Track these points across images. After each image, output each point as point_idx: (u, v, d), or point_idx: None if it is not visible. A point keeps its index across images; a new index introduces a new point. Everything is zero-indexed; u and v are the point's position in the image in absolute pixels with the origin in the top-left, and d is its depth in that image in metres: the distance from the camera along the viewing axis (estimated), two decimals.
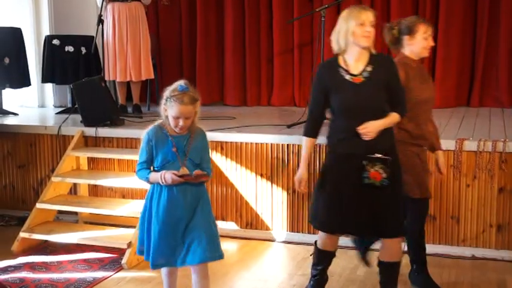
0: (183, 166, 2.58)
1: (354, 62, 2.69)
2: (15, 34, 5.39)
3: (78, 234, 3.85)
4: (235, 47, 5.95)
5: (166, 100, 2.56)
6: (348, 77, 2.67)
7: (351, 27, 2.66)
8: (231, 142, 4.06)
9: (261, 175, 4.03)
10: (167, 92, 2.58)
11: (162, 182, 2.56)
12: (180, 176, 2.54)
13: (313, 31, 5.69)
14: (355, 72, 2.68)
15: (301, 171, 2.81)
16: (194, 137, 2.63)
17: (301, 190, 2.84)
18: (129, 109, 5.32)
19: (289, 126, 4.33)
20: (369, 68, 2.68)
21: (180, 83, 2.57)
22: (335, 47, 2.75)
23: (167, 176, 2.55)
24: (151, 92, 5.82)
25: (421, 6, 5.46)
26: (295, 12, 5.74)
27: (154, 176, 2.59)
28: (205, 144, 2.69)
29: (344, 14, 2.75)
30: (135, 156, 4.08)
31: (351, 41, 2.67)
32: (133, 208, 3.89)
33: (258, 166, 4.03)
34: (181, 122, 2.55)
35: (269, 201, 4.03)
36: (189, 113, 2.55)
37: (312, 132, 2.81)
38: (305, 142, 2.83)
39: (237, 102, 5.98)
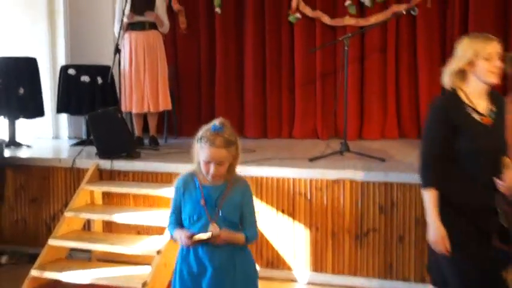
0: (213, 223, 2.29)
1: (477, 98, 2.49)
2: (30, 64, 5.55)
3: (91, 273, 3.86)
4: (255, 76, 6.05)
5: (197, 141, 2.36)
6: (476, 116, 2.46)
7: (476, 61, 2.44)
8: (250, 176, 4.07)
9: (282, 211, 4.02)
10: (200, 132, 2.39)
11: (181, 243, 2.32)
12: (197, 239, 2.21)
13: (336, 61, 5.77)
14: (481, 111, 2.48)
15: (438, 229, 2.42)
16: (232, 188, 2.35)
17: (446, 249, 2.44)
18: (146, 141, 5.40)
19: (311, 160, 4.36)
20: (494, 108, 2.50)
21: (215, 121, 2.37)
22: (450, 80, 2.52)
23: (182, 237, 2.28)
24: (168, 124, 5.91)
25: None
26: (318, 41, 5.84)
27: (176, 234, 2.34)
28: (248, 200, 2.39)
29: (465, 44, 2.51)
30: (152, 191, 4.24)
31: (476, 76, 2.46)
32: (149, 246, 3.89)
33: (279, 201, 4.03)
34: (212, 169, 2.30)
35: (291, 239, 4.02)
36: (221, 158, 2.31)
37: (436, 181, 2.43)
38: (430, 195, 2.44)
39: (257, 135, 6.04)
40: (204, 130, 2.39)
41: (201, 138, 2.37)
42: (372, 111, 5.81)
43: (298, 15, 5.87)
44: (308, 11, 5.85)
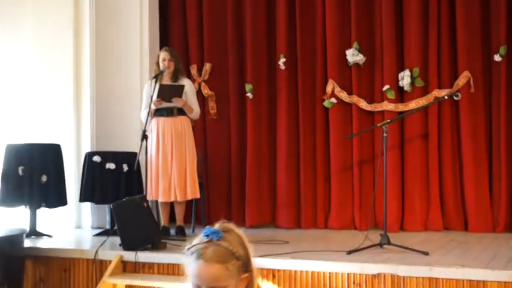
0: None
1: None
2: (55, 151, 5.78)
3: None
4: (288, 163, 6.18)
5: (184, 253, 1.77)
6: None
7: None
8: (284, 270, 4.11)
9: None
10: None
11: None
12: None
13: (375, 147, 5.90)
14: None
15: None
16: None
17: None
18: (172, 231, 5.51)
19: (349, 253, 4.38)
20: None
21: (214, 226, 1.77)
22: None
23: None
24: (196, 213, 6.04)
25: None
26: (354, 127, 6.00)
27: None
28: None
29: None
30: (178, 285, 4.26)
31: None
32: None
33: None
34: None
35: None
36: (215, 281, 1.68)
37: None
38: None
39: (291, 225, 6.09)
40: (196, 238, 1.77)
41: (188, 249, 1.75)
42: (413, 200, 5.83)
43: (333, 100, 6.07)
44: (344, 96, 6.04)
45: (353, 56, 6.00)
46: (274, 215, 6.27)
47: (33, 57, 6.51)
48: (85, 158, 5.92)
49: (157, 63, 5.60)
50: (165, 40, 6.73)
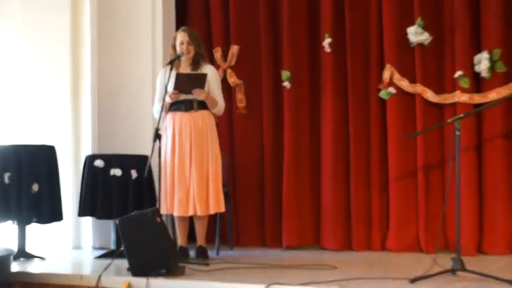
0: None
1: None
2: (47, 153, 5.79)
3: None
4: (335, 170, 6.16)
5: None
6: None
7: None
8: None
9: None
10: None
11: None
12: None
13: (444, 149, 5.84)
14: None
15: None
16: None
17: None
18: (192, 253, 5.49)
19: (413, 281, 4.31)
20: None
21: None
22: None
23: None
24: (221, 230, 6.02)
25: None
26: (418, 123, 5.93)
27: None
28: None
29: None
30: None
31: None
32: None
33: None
34: None
35: None
36: None
37: None
38: None
39: (339, 246, 6.09)
40: None
41: None
42: (494, 216, 5.74)
43: (392, 89, 6.03)
44: (405, 85, 6.00)
45: (416, 34, 5.94)
46: (318, 234, 6.25)
47: (20, 43, 6.57)
48: (85, 162, 5.94)
49: (174, 47, 5.61)
50: (182, 18, 6.75)
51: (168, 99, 5.43)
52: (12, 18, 6.61)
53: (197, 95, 5.45)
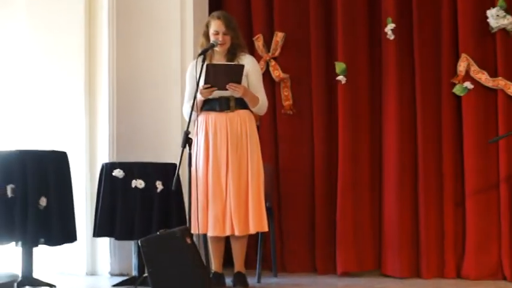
0: None
1: None
2: (59, 162, 5.76)
3: None
4: (400, 182, 6.16)
5: None
6: None
7: None
8: None
9: None
10: None
11: None
12: None
13: None
14: None
15: None
16: None
17: None
18: (228, 280, 5.50)
19: None
20: None
21: None
22: None
23: None
24: (263, 254, 6.02)
25: None
26: (501, 125, 5.93)
27: None
28: None
29: None
30: None
31: None
32: None
33: None
34: None
35: None
36: None
37: None
38: None
39: (405, 273, 6.07)
40: None
41: None
42: None
43: (468, 84, 6.02)
44: (485, 79, 5.98)
45: (498, 18, 5.91)
46: (379, 258, 6.25)
47: (27, 35, 6.62)
48: (101, 172, 5.95)
49: (206, 34, 5.63)
50: (216, 3, 6.77)
51: (199, 97, 5.43)
52: (18, 10, 6.66)
53: (233, 91, 5.44)
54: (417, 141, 6.20)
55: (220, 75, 5.41)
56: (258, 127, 5.75)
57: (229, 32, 5.56)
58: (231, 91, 5.44)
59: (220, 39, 5.53)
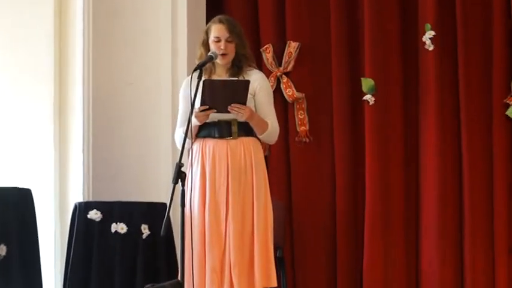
0: None
1: None
2: (20, 201, 5.75)
3: None
4: (443, 226, 6.16)
5: None
6: None
7: None
8: None
9: None
10: None
11: None
12: None
13: None
14: None
15: None
16: None
17: None
18: None
19: None
20: None
21: None
22: None
23: None
24: None
25: None
26: None
27: None
28: None
29: None
30: None
31: None
32: None
33: None
34: None
35: None
36: None
37: None
38: None
39: None
40: None
41: None
42: None
43: None
44: None
45: None
46: None
47: None
48: (74, 213, 5.96)
49: (205, 44, 5.56)
50: (215, 5, 6.78)
51: (195, 121, 5.36)
52: None
53: (237, 113, 5.37)
54: (462, 175, 6.22)
55: (220, 94, 5.31)
56: (266, 158, 5.75)
57: (234, 39, 5.49)
58: (234, 113, 5.37)
59: (222, 47, 5.45)
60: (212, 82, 5.35)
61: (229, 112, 5.32)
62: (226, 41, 5.44)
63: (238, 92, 5.31)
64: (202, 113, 5.31)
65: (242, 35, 5.57)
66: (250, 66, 5.60)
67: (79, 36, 6.40)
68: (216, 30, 5.48)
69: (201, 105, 5.28)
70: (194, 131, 5.41)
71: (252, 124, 5.44)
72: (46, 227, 6.17)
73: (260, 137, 5.52)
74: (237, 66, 5.53)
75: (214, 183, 5.42)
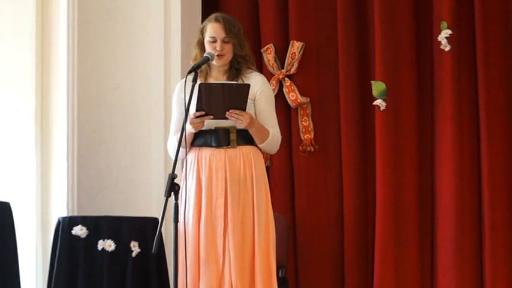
0: None
1: None
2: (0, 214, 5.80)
3: None
4: (461, 244, 6.15)
5: None
6: None
7: None
8: None
9: None
10: None
11: None
12: None
13: None
14: None
15: None
16: None
17: None
18: None
19: None
20: None
21: None
22: None
23: None
24: None
25: None
26: None
27: None
28: None
29: None
30: None
31: None
32: None
33: None
34: None
35: None
36: None
37: None
38: None
39: None
40: None
41: None
42: None
43: None
44: None
45: None
46: None
47: None
48: (57, 229, 5.95)
49: (200, 44, 5.55)
50: (212, 1, 6.80)
51: (189, 128, 5.34)
52: None
53: (235, 120, 5.34)
54: (482, 187, 6.23)
55: (217, 99, 5.29)
56: (267, 168, 5.74)
57: (231, 39, 5.46)
58: (232, 120, 5.35)
59: (218, 48, 5.43)
60: (209, 86, 5.32)
61: (227, 119, 5.31)
62: (223, 41, 5.43)
63: (238, 96, 5.29)
64: (198, 119, 5.29)
65: (240, 35, 5.55)
66: (249, 68, 5.59)
67: (63, 37, 6.42)
68: (212, 29, 5.47)
69: (197, 110, 5.26)
70: (189, 140, 5.39)
71: (251, 132, 5.43)
72: (27, 244, 6.18)
73: (260, 146, 5.51)
74: (235, 68, 5.52)
75: (211, 197, 5.39)
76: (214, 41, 5.42)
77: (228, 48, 5.45)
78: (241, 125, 5.33)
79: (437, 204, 6.31)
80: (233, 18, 5.61)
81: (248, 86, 5.32)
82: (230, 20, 5.54)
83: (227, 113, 5.26)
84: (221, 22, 5.46)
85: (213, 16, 5.56)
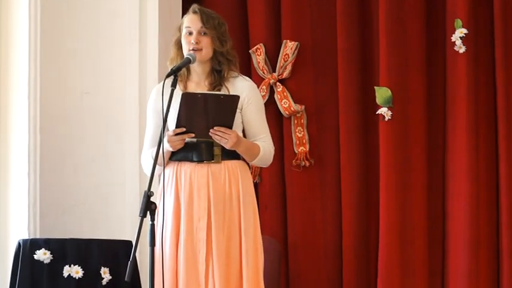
0: None
1: None
2: None
3: None
4: (475, 269, 6.23)
5: None
6: None
7: None
8: None
9: None
10: None
11: None
12: None
13: None
14: None
15: None
16: None
17: None
18: None
19: None
20: None
21: None
22: None
23: None
24: None
25: None
26: None
27: None
28: None
29: None
30: None
31: None
32: None
33: None
34: None
35: None
36: None
37: None
38: None
39: None
40: None
41: None
42: None
43: None
44: None
45: None
46: None
47: None
48: (17, 253, 6.01)
49: (178, 42, 5.54)
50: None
51: (167, 146, 5.32)
52: None
53: (219, 139, 5.27)
54: (500, 207, 6.30)
55: (200, 113, 5.24)
56: (256, 185, 5.85)
57: (210, 32, 5.42)
58: (216, 140, 5.29)
59: (193, 40, 5.39)
60: (192, 97, 5.22)
61: (210, 137, 5.25)
62: (199, 33, 5.37)
63: (224, 110, 5.23)
64: (177, 137, 5.27)
65: (222, 29, 5.46)
66: (232, 69, 5.51)
67: (23, 36, 6.51)
68: (188, 20, 5.44)
69: (176, 126, 5.23)
70: (166, 156, 5.38)
71: (239, 152, 5.43)
72: None
73: (249, 159, 5.52)
74: (216, 71, 5.48)
75: (192, 217, 5.41)
76: (190, 33, 5.38)
77: (206, 41, 5.37)
78: (226, 145, 5.27)
79: (449, 229, 6.38)
80: (215, 12, 5.55)
81: (237, 97, 5.25)
82: (209, 13, 5.48)
83: (211, 130, 5.18)
84: (198, 12, 5.41)
85: (191, 8, 5.50)
